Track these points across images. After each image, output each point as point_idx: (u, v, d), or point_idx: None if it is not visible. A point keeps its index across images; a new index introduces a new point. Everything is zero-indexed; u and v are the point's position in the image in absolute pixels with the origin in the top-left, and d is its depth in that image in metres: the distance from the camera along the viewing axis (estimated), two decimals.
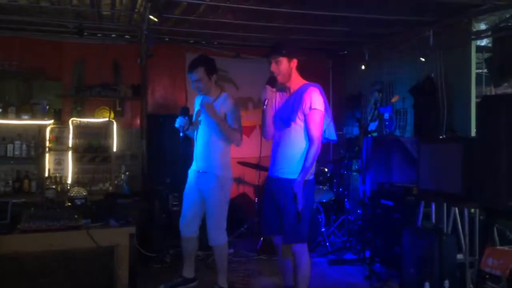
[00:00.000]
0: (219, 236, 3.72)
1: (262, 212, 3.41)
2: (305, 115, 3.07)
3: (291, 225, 3.08)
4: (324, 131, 3.21)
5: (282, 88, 3.28)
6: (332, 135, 3.27)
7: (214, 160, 3.67)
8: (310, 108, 3.04)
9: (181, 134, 3.68)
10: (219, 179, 3.66)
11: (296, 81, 3.21)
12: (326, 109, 3.16)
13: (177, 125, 3.66)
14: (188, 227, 3.81)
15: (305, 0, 4.19)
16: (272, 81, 3.15)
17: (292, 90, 3.21)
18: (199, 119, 3.74)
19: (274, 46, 3.25)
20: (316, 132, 3.06)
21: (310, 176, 3.15)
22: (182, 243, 3.88)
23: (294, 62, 3.17)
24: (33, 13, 4.70)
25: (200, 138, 3.74)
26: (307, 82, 3.22)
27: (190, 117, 3.76)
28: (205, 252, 4.89)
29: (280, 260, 3.41)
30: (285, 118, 3.14)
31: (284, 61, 3.12)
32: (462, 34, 4.57)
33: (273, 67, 3.14)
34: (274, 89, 3.17)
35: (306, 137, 3.11)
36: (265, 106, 3.15)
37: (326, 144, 3.42)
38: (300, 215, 3.04)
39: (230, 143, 3.72)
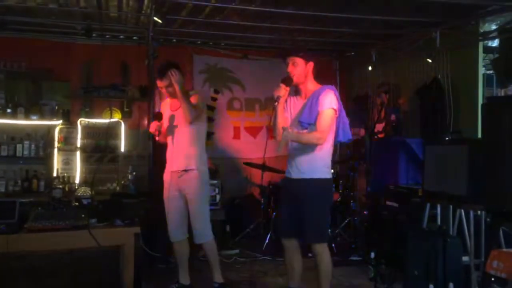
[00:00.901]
0: (207, 232, 3.74)
1: (281, 213, 3.46)
2: (320, 114, 3.10)
3: (313, 225, 3.14)
4: (339, 132, 3.25)
5: (297, 92, 3.34)
6: (347, 135, 3.31)
7: (193, 157, 3.70)
8: (328, 107, 3.10)
9: (156, 138, 3.81)
10: (200, 175, 3.70)
11: (312, 84, 3.26)
12: (340, 110, 3.21)
13: (152, 130, 3.70)
14: (178, 230, 3.81)
15: (311, 1, 4.19)
16: (288, 80, 3.18)
17: (308, 93, 3.25)
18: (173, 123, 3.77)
19: (291, 47, 3.31)
20: (324, 128, 3.09)
21: (328, 175, 3.22)
22: (175, 248, 3.88)
23: (311, 65, 3.22)
24: (42, 15, 4.76)
25: (175, 139, 3.75)
26: (322, 85, 3.26)
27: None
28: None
29: (287, 261, 3.43)
30: (303, 121, 3.18)
31: (301, 62, 3.18)
32: (469, 35, 4.55)
33: (290, 67, 3.20)
34: (288, 88, 3.18)
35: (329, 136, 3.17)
36: (276, 103, 3.15)
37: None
38: (316, 213, 3.12)
39: (205, 139, 3.82)
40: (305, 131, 3.17)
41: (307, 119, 3.16)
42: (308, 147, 3.16)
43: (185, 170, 3.70)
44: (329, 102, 3.11)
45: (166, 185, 3.82)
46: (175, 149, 3.75)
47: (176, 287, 3.89)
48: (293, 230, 3.25)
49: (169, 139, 3.79)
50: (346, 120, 3.29)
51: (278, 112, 3.20)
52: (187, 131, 3.70)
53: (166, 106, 3.89)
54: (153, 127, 3.67)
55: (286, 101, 3.33)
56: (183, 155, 3.71)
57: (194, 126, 3.69)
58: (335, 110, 3.13)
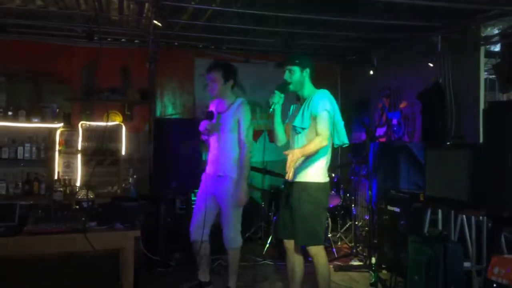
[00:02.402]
0: (236, 238, 3.77)
1: (279, 215, 3.52)
2: (316, 118, 3.14)
3: (304, 227, 3.16)
4: (337, 135, 3.27)
5: (298, 99, 3.38)
6: (345, 139, 3.32)
7: (229, 163, 3.71)
8: (323, 110, 3.12)
9: (205, 137, 3.76)
10: (234, 181, 3.70)
11: (309, 90, 3.29)
12: (334, 114, 3.23)
13: (202, 128, 3.72)
14: (195, 231, 3.81)
15: (312, 5, 4.19)
16: (282, 87, 3.22)
17: (305, 99, 3.29)
18: (219, 122, 3.77)
19: (288, 55, 3.39)
20: (326, 131, 3.12)
21: (325, 179, 3.23)
22: (194, 247, 3.89)
23: (307, 72, 3.27)
24: (43, 18, 4.77)
25: (217, 142, 3.77)
26: (319, 90, 3.30)
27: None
28: (210, 257, 4.90)
29: (289, 265, 3.45)
30: (296, 125, 3.23)
31: (296, 70, 3.24)
32: (470, 40, 4.54)
33: (286, 76, 3.26)
34: (282, 95, 3.22)
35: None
36: (271, 110, 3.21)
37: (334, 149, 3.44)
38: (307, 216, 3.14)
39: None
40: (300, 135, 3.22)
41: (300, 124, 3.21)
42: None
43: (221, 175, 3.72)
44: (323, 105, 3.14)
45: (201, 184, 3.85)
46: (215, 152, 3.78)
47: (195, 283, 3.96)
48: (290, 231, 3.28)
49: (211, 141, 3.80)
50: (342, 124, 3.30)
51: (274, 118, 3.28)
52: (229, 137, 3.71)
53: (214, 106, 3.90)
54: (203, 126, 3.71)
55: (290, 108, 3.44)
56: (221, 160, 3.73)
57: (235, 134, 3.70)
58: (329, 112, 3.14)
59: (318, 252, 3.23)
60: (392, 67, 5.83)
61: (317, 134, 3.13)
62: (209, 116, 3.73)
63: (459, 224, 3.72)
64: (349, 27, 4.88)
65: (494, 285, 3.07)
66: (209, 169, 3.83)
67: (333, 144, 3.30)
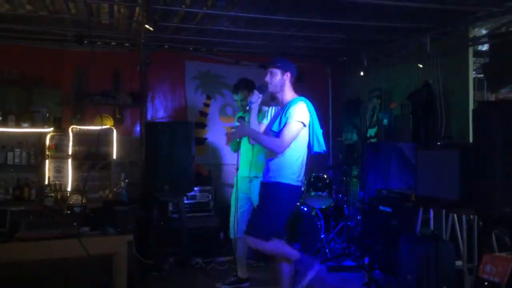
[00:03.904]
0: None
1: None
2: (285, 122, 3.19)
3: (259, 219, 3.27)
4: (313, 144, 3.31)
5: (274, 100, 3.45)
6: (322, 147, 3.35)
7: (261, 166, 3.76)
8: (293, 119, 3.17)
9: (237, 140, 3.84)
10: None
11: (288, 95, 3.34)
12: (312, 123, 3.28)
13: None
14: (233, 229, 4.04)
15: (302, 7, 4.21)
16: (262, 88, 3.32)
17: (284, 103, 3.34)
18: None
19: (271, 58, 3.42)
20: (286, 138, 3.16)
21: (294, 182, 3.24)
22: (233, 244, 4.27)
23: (288, 75, 3.31)
24: (33, 22, 4.74)
25: (251, 146, 3.88)
26: (298, 96, 3.35)
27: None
28: (204, 260, 4.91)
29: (275, 267, 3.46)
30: (273, 129, 3.28)
31: (278, 72, 3.29)
32: (459, 41, 4.59)
33: (267, 77, 3.32)
34: (261, 95, 3.32)
35: (295, 146, 3.22)
36: (247, 108, 3.34)
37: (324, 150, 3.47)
38: (269, 213, 3.22)
39: None
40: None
41: (277, 128, 3.25)
42: (277, 158, 3.24)
43: (256, 177, 3.92)
44: (297, 115, 3.17)
45: (235, 187, 3.97)
46: (246, 156, 3.98)
47: (234, 279, 4.27)
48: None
49: (242, 145, 3.95)
50: (320, 131, 3.35)
51: (250, 116, 3.37)
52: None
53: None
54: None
55: (268, 110, 3.53)
56: (254, 163, 3.91)
57: None
58: (302, 123, 3.19)
59: (263, 246, 3.25)
60: (382, 68, 5.86)
61: (279, 135, 3.19)
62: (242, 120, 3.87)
63: (450, 223, 3.75)
64: (339, 29, 4.90)
65: (486, 283, 3.11)
66: (242, 171, 4.06)
67: (309, 152, 3.34)
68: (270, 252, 3.33)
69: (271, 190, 3.25)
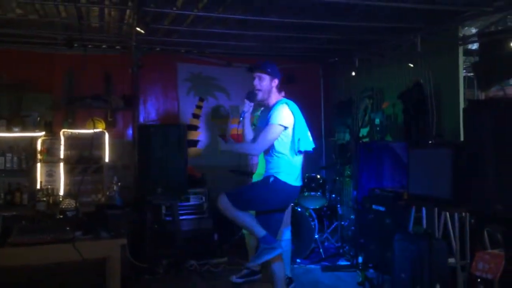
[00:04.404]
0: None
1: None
2: (267, 123, 3.21)
3: (241, 190, 3.39)
4: (299, 143, 3.28)
5: (264, 106, 3.46)
6: (308, 146, 3.34)
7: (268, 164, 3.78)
8: (274, 121, 3.18)
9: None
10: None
11: (274, 98, 3.36)
12: (298, 123, 3.27)
13: None
14: None
15: (293, 8, 4.22)
16: (251, 95, 3.34)
17: (269, 107, 3.35)
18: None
19: (258, 62, 3.40)
20: (260, 141, 3.21)
21: (288, 179, 3.24)
22: (246, 239, 4.47)
23: (275, 82, 3.34)
24: (23, 26, 4.71)
25: None
26: (282, 98, 3.38)
27: None
28: (198, 262, 4.90)
29: (269, 270, 3.44)
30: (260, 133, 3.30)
31: (266, 78, 3.31)
32: (449, 40, 4.62)
33: (256, 82, 3.33)
34: (252, 104, 3.36)
35: (281, 148, 3.23)
36: (241, 118, 3.36)
37: (317, 150, 3.49)
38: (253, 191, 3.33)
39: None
40: None
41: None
42: (273, 156, 3.25)
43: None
44: (277, 117, 3.18)
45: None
46: (262, 154, 3.86)
47: (247, 272, 4.40)
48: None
49: None
50: (306, 132, 3.34)
51: (245, 126, 3.39)
52: None
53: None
54: None
55: (259, 111, 3.57)
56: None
57: None
58: (283, 126, 3.19)
59: (225, 205, 3.23)
60: (374, 68, 5.89)
61: (258, 137, 3.23)
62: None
63: (442, 221, 3.78)
64: (331, 29, 4.92)
65: (479, 280, 3.13)
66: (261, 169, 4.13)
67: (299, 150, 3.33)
68: (233, 219, 3.26)
69: (267, 180, 3.26)
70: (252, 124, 3.78)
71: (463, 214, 3.72)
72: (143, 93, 6.14)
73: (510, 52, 3.85)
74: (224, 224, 5.71)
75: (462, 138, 4.35)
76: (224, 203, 3.21)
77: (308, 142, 3.34)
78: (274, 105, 3.31)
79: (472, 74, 4.98)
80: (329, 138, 6.71)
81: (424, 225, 3.81)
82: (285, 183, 3.24)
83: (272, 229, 3.28)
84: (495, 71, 4.19)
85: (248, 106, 3.34)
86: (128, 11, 4.28)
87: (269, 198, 3.28)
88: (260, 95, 3.32)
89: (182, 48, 6.05)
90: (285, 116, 3.21)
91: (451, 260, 3.59)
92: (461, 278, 3.60)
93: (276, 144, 3.23)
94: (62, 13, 4.30)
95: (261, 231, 3.20)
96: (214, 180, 6.35)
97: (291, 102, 3.32)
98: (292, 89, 3.44)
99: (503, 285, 2.90)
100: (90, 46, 5.69)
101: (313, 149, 3.39)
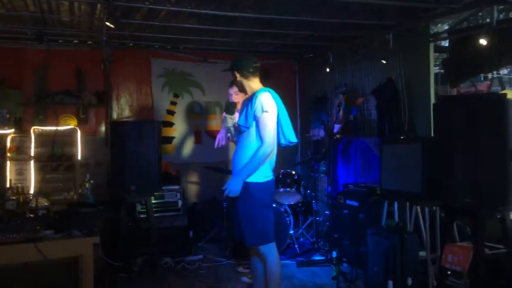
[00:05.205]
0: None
1: (232, 218, 3.52)
2: (256, 119, 3.15)
3: (248, 228, 3.16)
4: (282, 134, 3.29)
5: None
6: (292, 137, 3.34)
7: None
8: (262, 111, 3.12)
9: None
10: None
11: (254, 87, 3.32)
12: (281, 112, 3.26)
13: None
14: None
15: (267, 5, 4.22)
16: (230, 109, 3.51)
17: (248, 97, 3.33)
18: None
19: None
20: (266, 134, 3.12)
21: (264, 178, 3.20)
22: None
23: (244, 73, 3.29)
24: None
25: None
26: (261, 87, 3.31)
27: None
28: (173, 259, 4.87)
29: (251, 264, 3.47)
30: (241, 124, 3.24)
31: (236, 75, 3.33)
32: (420, 37, 4.70)
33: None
34: (233, 116, 3.43)
35: (252, 140, 3.20)
36: (229, 134, 3.52)
37: (293, 146, 3.50)
38: (249, 217, 3.15)
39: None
40: (244, 134, 3.25)
41: (244, 123, 3.22)
42: (242, 153, 3.21)
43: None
44: (262, 106, 3.12)
45: None
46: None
47: None
48: (239, 233, 3.29)
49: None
50: (288, 123, 3.32)
51: (236, 137, 3.40)
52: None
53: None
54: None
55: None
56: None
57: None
58: (268, 112, 3.14)
59: (268, 251, 3.21)
60: (348, 65, 5.95)
61: (259, 135, 3.15)
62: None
63: (414, 215, 3.85)
64: (305, 25, 4.94)
65: (449, 272, 3.21)
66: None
67: (279, 144, 3.33)
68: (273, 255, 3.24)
69: (242, 191, 3.16)
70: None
71: (434, 208, 3.80)
72: (116, 89, 6.05)
73: (479, 48, 3.93)
74: (199, 221, 5.71)
75: (433, 134, 4.44)
76: (273, 254, 3.21)
77: (291, 134, 3.32)
78: (254, 94, 3.23)
79: (443, 70, 5.08)
80: (304, 134, 6.75)
81: (396, 219, 3.87)
82: (266, 184, 3.21)
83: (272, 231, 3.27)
84: (464, 67, 4.28)
85: (230, 121, 3.37)
86: (98, 5, 4.20)
87: (262, 207, 3.21)
88: (239, 98, 3.34)
89: (156, 43, 5.98)
90: (271, 104, 3.17)
91: (422, 253, 3.67)
92: (432, 271, 3.68)
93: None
94: (30, 7, 4.18)
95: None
96: (189, 177, 6.33)
97: (273, 91, 3.27)
98: (267, 85, 3.42)
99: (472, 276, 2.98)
100: (61, 41, 5.57)
101: (291, 143, 3.36)
